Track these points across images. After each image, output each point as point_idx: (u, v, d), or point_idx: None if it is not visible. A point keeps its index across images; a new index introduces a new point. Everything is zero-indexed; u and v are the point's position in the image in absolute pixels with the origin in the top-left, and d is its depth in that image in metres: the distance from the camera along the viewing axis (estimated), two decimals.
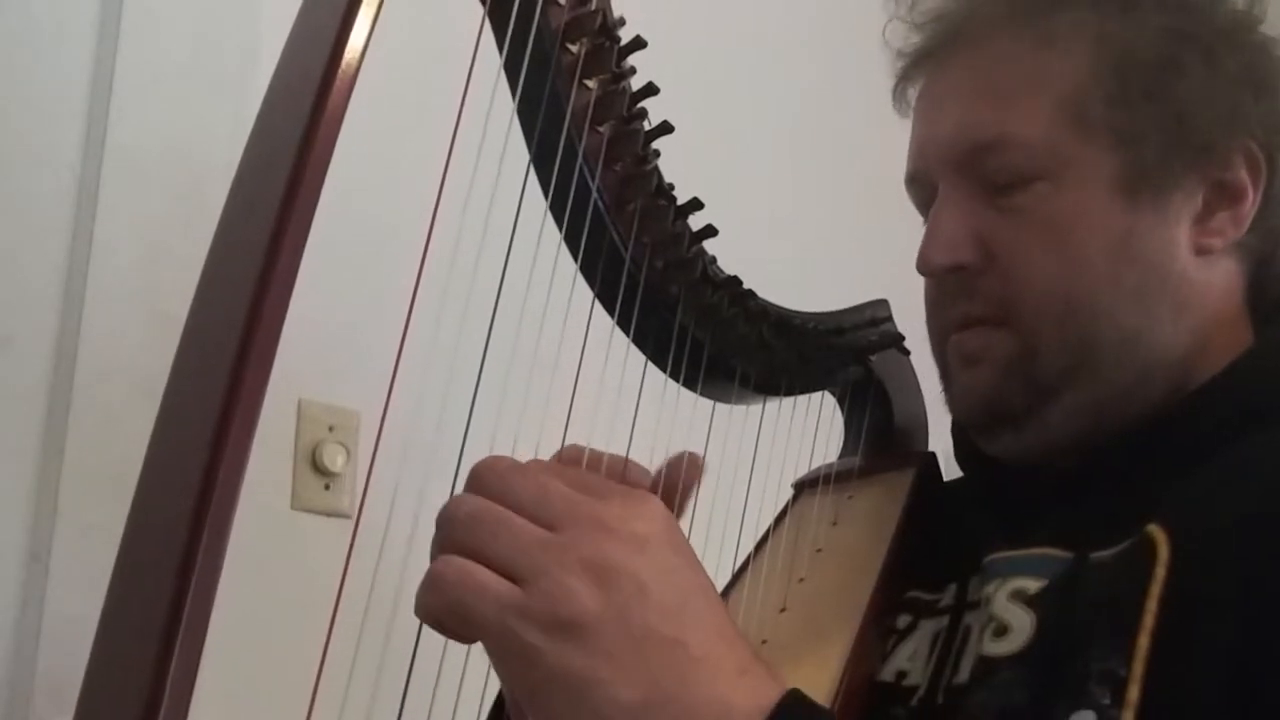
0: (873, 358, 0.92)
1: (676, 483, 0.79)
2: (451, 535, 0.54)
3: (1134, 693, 0.60)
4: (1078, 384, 0.74)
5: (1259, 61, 0.77)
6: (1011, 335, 0.75)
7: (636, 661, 0.53)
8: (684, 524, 0.82)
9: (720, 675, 0.54)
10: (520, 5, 0.63)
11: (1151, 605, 0.62)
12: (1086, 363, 0.74)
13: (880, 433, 0.94)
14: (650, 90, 0.70)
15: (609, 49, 0.68)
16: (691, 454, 0.79)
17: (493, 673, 0.56)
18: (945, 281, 0.77)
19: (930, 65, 0.81)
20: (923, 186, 0.81)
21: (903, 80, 0.84)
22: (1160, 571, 0.63)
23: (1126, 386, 0.74)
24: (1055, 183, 0.74)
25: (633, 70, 0.69)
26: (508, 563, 0.53)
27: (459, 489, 0.56)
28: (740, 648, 0.56)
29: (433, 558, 0.55)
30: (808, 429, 0.90)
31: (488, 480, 0.55)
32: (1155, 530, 0.64)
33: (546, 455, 0.68)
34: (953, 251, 0.76)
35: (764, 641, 0.77)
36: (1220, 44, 0.75)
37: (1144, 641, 0.61)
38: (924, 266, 0.77)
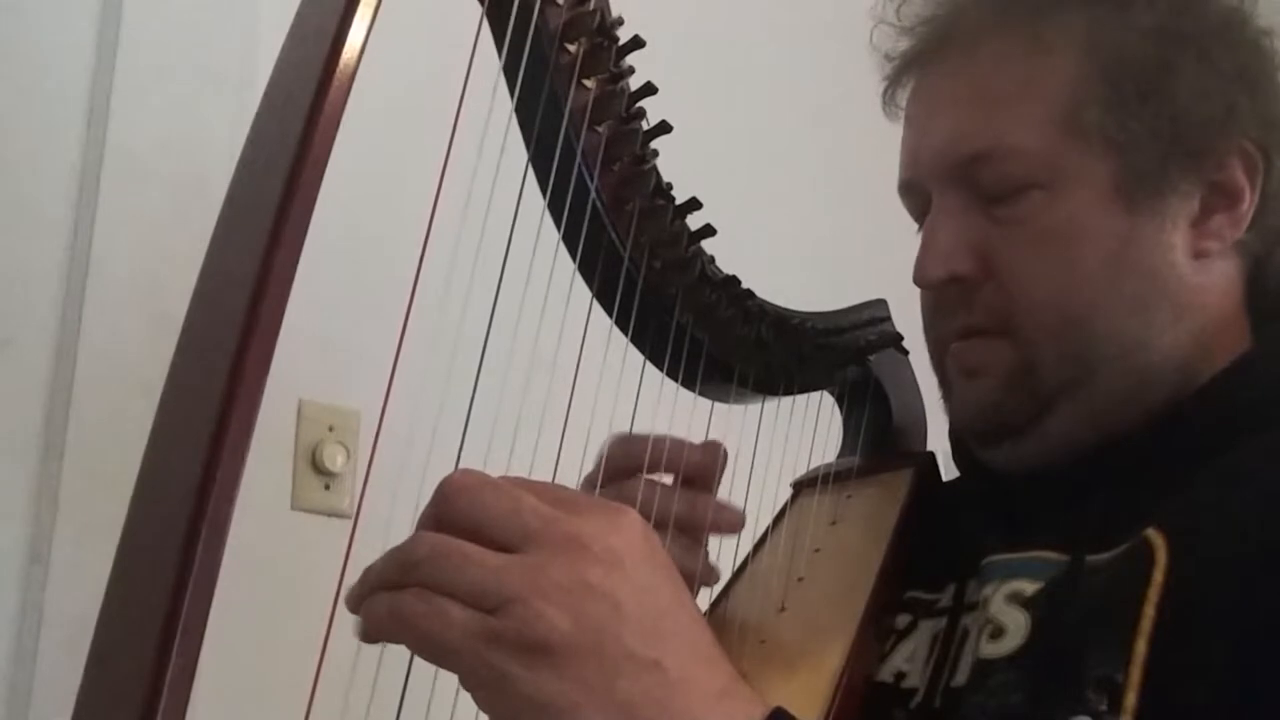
0: (871, 357, 0.92)
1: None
2: (416, 576, 0.53)
3: (1131, 699, 0.60)
4: (1078, 394, 0.73)
5: (1252, 59, 0.76)
6: (1011, 346, 0.74)
7: (613, 686, 0.52)
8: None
9: (700, 698, 0.53)
10: (519, 5, 0.63)
11: (1149, 611, 0.62)
12: (1087, 373, 0.73)
13: (879, 432, 0.94)
14: (648, 90, 0.70)
15: (607, 49, 0.68)
16: (715, 441, 0.81)
17: None
18: (943, 293, 0.77)
19: (919, 70, 0.81)
20: (916, 195, 0.80)
21: (891, 84, 0.83)
22: (1158, 576, 0.62)
23: (1126, 394, 0.73)
24: (1051, 191, 0.73)
25: (631, 70, 0.69)
26: (476, 594, 0.52)
27: None
28: (721, 668, 0.55)
29: (388, 581, 0.53)
30: (806, 429, 0.90)
31: (457, 498, 0.54)
32: (1153, 535, 0.64)
33: (546, 454, 0.68)
34: (949, 263, 0.75)
35: (762, 641, 0.77)
36: (1213, 43, 0.75)
37: (1141, 647, 0.61)
38: (920, 278, 0.77)
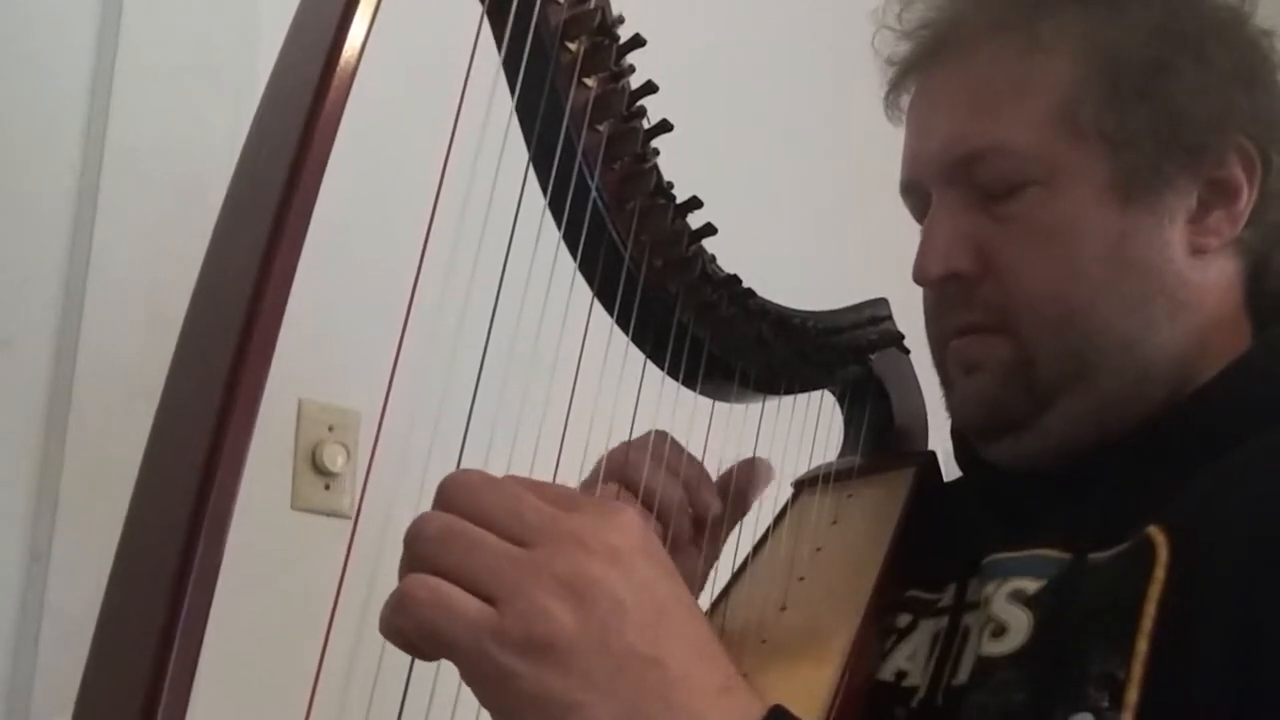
0: (872, 356, 0.92)
1: (741, 484, 0.82)
2: (422, 553, 0.53)
3: (1132, 695, 0.60)
4: (1077, 390, 0.74)
5: (1249, 57, 0.76)
6: (1010, 343, 0.75)
7: (615, 682, 0.52)
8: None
9: (701, 694, 0.53)
10: (519, 3, 0.63)
11: (1150, 608, 0.62)
12: (1085, 369, 0.74)
13: (880, 431, 0.94)
14: (649, 88, 0.70)
15: (608, 47, 0.68)
16: (761, 459, 0.82)
17: None
18: (942, 290, 0.78)
19: (919, 74, 0.81)
20: (917, 196, 0.81)
21: (894, 89, 0.84)
22: (1159, 574, 0.63)
23: (1125, 391, 0.74)
24: (1048, 188, 0.74)
25: (632, 68, 0.69)
26: (481, 582, 0.52)
27: None
28: (721, 664, 0.55)
29: (401, 576, 0.54)
30: (807, 428, 0.90)
31: (458, 495, 0.54)
32: (1155, 532, 0.64)
33: (546, 453, 0.68)
34: (948, 261, 0.76)
35: (764, 640, 0.77)
36: (1210, 41, 0.75)
37: (1142, 644, 0.61)
38: (920, 276, 0.77)
